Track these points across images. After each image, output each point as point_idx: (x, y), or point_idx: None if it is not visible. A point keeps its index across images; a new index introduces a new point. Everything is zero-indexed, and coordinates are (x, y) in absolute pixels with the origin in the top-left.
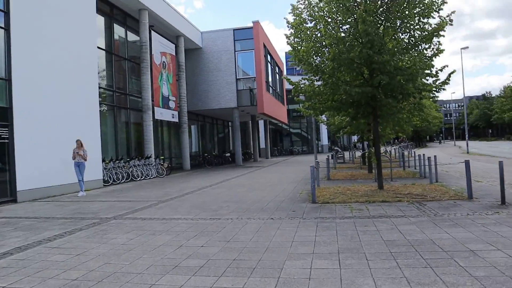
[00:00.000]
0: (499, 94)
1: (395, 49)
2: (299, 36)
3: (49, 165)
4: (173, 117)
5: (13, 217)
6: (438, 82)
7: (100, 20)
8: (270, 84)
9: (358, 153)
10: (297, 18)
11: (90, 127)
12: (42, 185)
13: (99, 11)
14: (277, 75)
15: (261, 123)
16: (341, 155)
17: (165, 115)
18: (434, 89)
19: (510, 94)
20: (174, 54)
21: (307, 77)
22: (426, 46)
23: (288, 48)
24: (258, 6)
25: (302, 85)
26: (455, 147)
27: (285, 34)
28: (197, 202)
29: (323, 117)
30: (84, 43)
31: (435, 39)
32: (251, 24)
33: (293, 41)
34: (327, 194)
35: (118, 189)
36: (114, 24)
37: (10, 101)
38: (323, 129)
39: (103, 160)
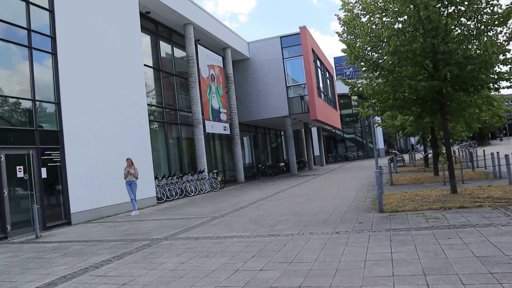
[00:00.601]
0: None
1: (461, 36)
2: (352, 32)
3: (101, 185)
4: (224, 129)
5: (65, 241)
6: None
7: (146, 38)
8: (321, 89)
9: (419, 155)
10: (349, 13)
11: (141, 145)
12: (95, 206)
13: (144, 29)
14: (328, 80)
15: (314, 130)
16: (400, 158)
17: (216, 128)
18: None
19: None
20: (222, 66)
21: (364, 75)
22: (500, 30)
23: (338, 50)
24: (302, 16)
25: (359, 85)
26: None
27: (336, 32)
28: (253, 216)
29: (377, 119)
30: (130, 62)
31: (510, 21)
32: (298, 30)
33: (346, 38)
34: (394, 202)
35: (172, 206)
36: (160, 41)
37: (60, 124)
38: (379, 132)
39: (156, 177)
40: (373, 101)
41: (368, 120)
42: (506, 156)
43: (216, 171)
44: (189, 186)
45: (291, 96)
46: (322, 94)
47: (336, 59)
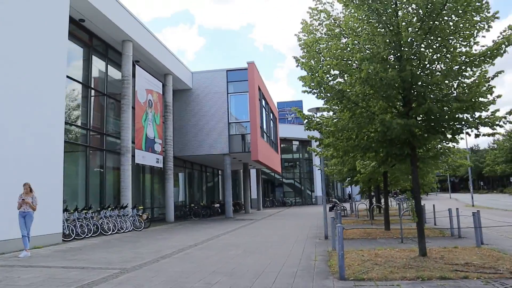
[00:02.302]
0: (489, 147)
1: (448, 69)
2: (315, 56)
3: None
4: (157, 162)
5: None
6: (497, 113)
7: (77, 49)
8: (265, 130)
9: (362, 206)
10: (312, 36)
11: (50, 168)
12: None
13: (75, 38)
14: (272, 122)
15: (252, 172)
16: (343, 208)
17: (148, 159)
18: (497, 122)
19: (503, 147)
20: (161, 93)
21: (325, 106)
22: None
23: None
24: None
25: (317, 119)
26: (451, 199)
27: (294, 57)
28: (174, 273)
29: (317, 163)
30: (48, 70)
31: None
32: (245, 65)
33: (306, 61)
34: (354, 263)
35: (78, 246)
36: (93, 56)
37: None
38: (317, 179)
39: (65, 210)
40: (332, 140)
41: (309, 166)
42: (474, 214)
43: (141, 207)
44: (107, 223)
45: (233, 133)
46: (265, 135)
47: (280, 104)
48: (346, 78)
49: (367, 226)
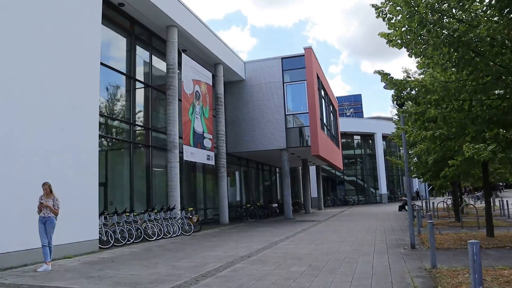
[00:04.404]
0: None
1: None
2: None
3: (6, 221)
4: (208, 158)
5: None
6: None
7: (119, 38)
8: (325, 122)
9: (440, 203)
10: None
11: (84, 167)
12: None
13: (117, 27)
14: (332, 115)
15: (312, 169)
16: (418, 208)
17: (198, 156)
18: None
19: None
20: (210, 84)
21: (428, 61)
22: None
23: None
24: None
25: (413, 83)
26: None
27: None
28: None
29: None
30: (80, 56)
31: None
32: (302, 52)
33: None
34: None
35: (112, 256)
36: (135, 43)
37: None
38: (381, 176)
39: (102, 213)
40: (441, 111)
41: (372, 163)
42: None
43: (191, 208)
44: (151, 227)
45: (290, 127)
46: (325, 128)
47: (337, 99)
48: (464, 16)
49: (457, 231)
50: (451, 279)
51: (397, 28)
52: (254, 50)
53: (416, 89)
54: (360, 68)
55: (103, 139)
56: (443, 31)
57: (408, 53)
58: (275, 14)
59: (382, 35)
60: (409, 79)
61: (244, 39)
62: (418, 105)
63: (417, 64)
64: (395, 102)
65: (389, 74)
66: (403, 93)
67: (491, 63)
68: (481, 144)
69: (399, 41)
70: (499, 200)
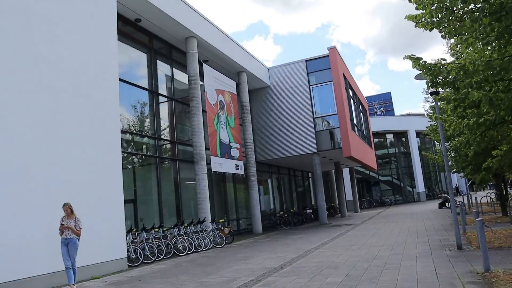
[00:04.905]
0: None
1: None
2: None
3: (28, 244)
4: (237, 168)
5: None
6: None
7: (139, 54)
8: (355, 122)
9: (483, 198)
10: None
11: (107, 184)
12: (15, 275)
13: (137, 43)
14: (362, 114)
15: (345, 171)
16: (461, 204)
17: (226, 166)
18: None
19: None
20: (235, 92)
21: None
22: None
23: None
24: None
25: (450, 66)
26: None
27: None
28: None
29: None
30: (99, 72)
31: None
32: (326, 52)
33: None
34: None
35: (140, 275)
36: (155, 57)
37: None
38: (418, 173)
39: (130, 230)
40: (485, 93)
41: (407, 161)
42: None
43: (222, 220)
44: (181, 241)
45: (320, 129)
46: (356, 128)
47: (367, 99)
48: None
49: (507, 226)
50: (510, 284)
51: (426, 6)
52: (278, 58)
53: (454, 72)
54: (387, 66)
55: (128, 156)
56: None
57: (441, 34)
58: (297, 20)
59: (410, 17)
60: (445, 61)
61: (268, 48)
62: (457, 90)
63: (451, 46)
64: (429, 90)
65: (421, 59)
66: (439, 79)
67: None
68: None
69: (429, 21)
70: None
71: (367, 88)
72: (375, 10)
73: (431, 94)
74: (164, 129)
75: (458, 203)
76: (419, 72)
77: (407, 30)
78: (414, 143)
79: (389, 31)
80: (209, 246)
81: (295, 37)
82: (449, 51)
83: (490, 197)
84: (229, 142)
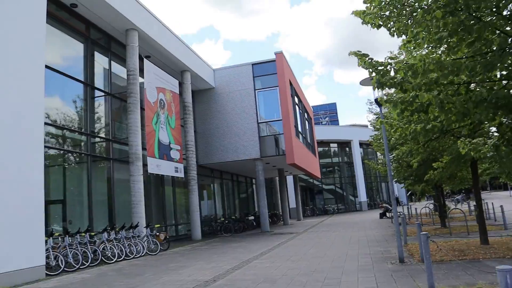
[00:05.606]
0: None
1: None
2: None
3: None
4: (176, 171)
5: None
6: None
7: (74, 43)
8: (300, 130)
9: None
10: None
11: (24, 181)
12: None
13: (72, 31)
14: (307, 122)
15: (289, 179)
16: (402, 214)
17: (165, 168)
18: None
19: None
20: (177, 92)
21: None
22: None
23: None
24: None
25: (398, 65)
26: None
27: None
28: None
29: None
30: (21, 58)
31: None
32: (273, 57)
33: None
34: None
35: (54, 286)
36: (92, 48)
37: None
38: (360, 183)
39: (51, 234)
40: (436, 94)
41: (350, 170)
42: None
43: (158, 225)
44: (110, 248)
45: (264, 135)
46: (300, 135)
47: (312, 108)
48: None
49: (446, 238)
50: None
51: (374, 1)
52: (228, 63)
53: (403, 72)
54: (334, 78)
55: (60, 153)
56: None
57: (389, 32)
58: (248, 27)
59: (357, 13)
60: (393, 59)
61: (218, 53)
62: (405, 92)
63: (400, 47)
64: (375, 91)
65: (367, 55)
66: (386, 79)
67: (497, 31)
68: (479, 139)
69: (377, 15)
70: (485, 203)
71: (313, 97)
72: (326, 23)
73: (375, 100)
74: (99, 125)
75: (399, 213)
76: (364, 78)
77: (355, 44)
78: (357, 153)
79: (337, 44)
80: (142, 253)
81: (245, 44)
82: (398, 55)
83: (429, 208)
84: (169, 143)
